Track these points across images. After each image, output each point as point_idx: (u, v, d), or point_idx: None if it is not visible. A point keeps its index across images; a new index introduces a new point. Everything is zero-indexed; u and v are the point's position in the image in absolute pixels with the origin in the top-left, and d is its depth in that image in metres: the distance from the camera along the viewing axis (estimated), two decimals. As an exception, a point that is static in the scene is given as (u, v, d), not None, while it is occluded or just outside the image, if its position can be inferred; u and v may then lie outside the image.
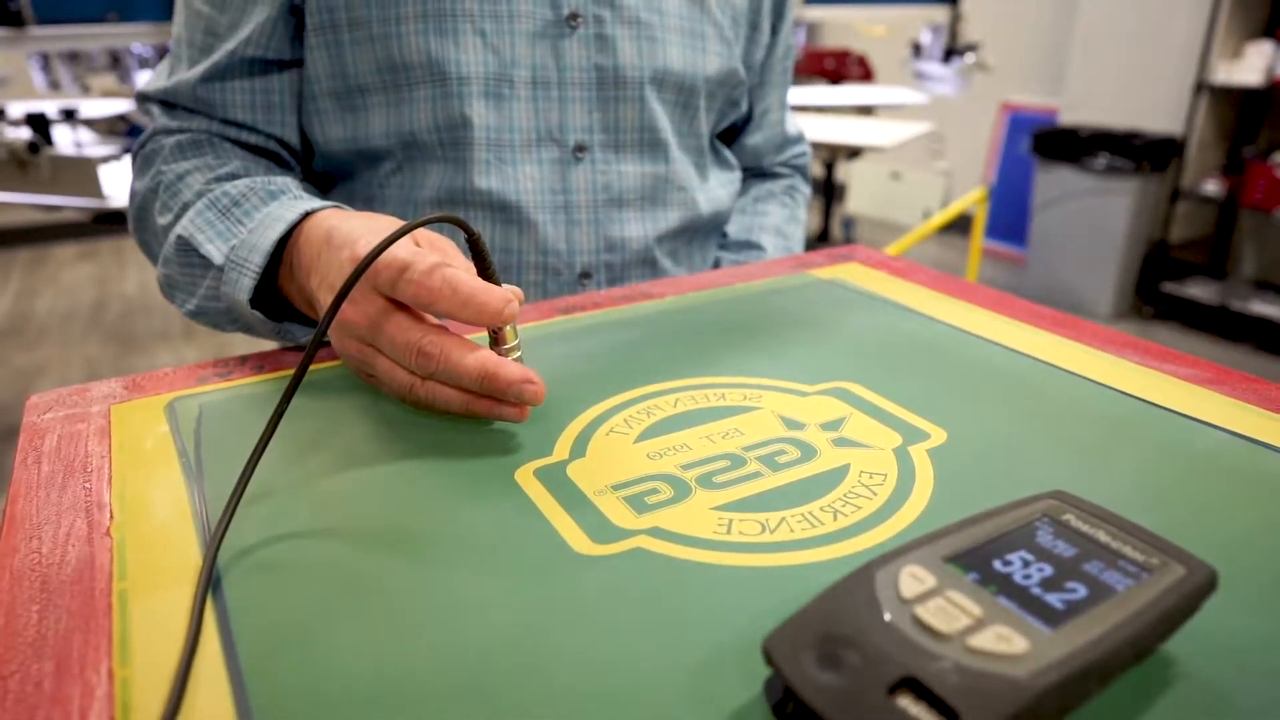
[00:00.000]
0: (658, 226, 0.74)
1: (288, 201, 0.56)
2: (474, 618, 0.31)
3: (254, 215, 0.56)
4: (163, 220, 0.62)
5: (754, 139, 0.87)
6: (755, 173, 0.91)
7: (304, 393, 0.48)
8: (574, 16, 0.67)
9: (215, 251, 0.56)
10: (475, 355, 0.41)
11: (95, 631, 0.30)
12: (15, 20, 2.26)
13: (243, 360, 0.52)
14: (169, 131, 0.66)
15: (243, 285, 0.53)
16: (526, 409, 0.43)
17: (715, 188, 0.79)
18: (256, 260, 0.52)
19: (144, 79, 0.70)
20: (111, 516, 0.37)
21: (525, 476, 0.40)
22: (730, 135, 0.87)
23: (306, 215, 0.52)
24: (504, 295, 0.41)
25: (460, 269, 0.42)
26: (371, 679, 0.28)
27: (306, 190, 0.64)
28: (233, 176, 0.62)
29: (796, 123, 0.94)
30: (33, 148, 1.97)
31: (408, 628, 0.30)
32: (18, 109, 2.46)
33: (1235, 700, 0.27)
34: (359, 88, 0.66)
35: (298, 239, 0.51)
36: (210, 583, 0.32)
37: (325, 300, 0.46)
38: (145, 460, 0.41)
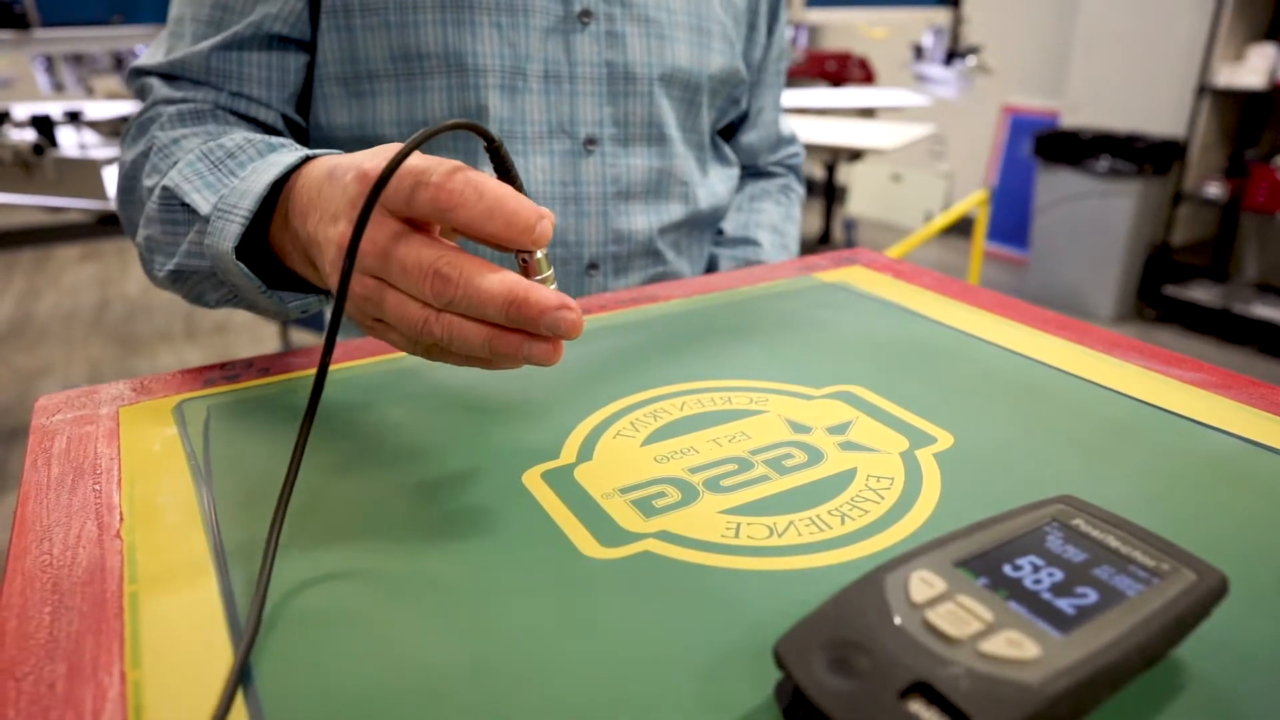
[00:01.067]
0: (660, 218, 0.75)
1: (287, 152, 0.50)
2: (481, 621, 0.31)
3: (248, 166, 0.50)
4: (149, 182, 0.57)
5: (749, 137, 0.89)
6: (751, 171, 0.93)
7: (299, 396, 0.48)
8: (586, 13, 0.67)
9: (202, 201, 0.50)
10: (500, 277, 0.35)
11: (107, 634, 0.30)
12: (20, 22, 2.26)
13: (249, 363, 0.52)
14: (170, 101, 0.63)
15: (229, 233, 0.46)
16: (560, 345, 0.36)
17: (715, 182, 0.80)
18: (247, 205, 0.46)
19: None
20: (121, 519, 0.37)
21: (533, 479, 0.40)
22: (728, 133, 0.89)
23: (307, 159, 0.46)
24: (537, 209, 0.35)
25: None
26: (378, 682, 0.28)
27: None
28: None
29: (789, 123, 0.95)
30: (37, 149, 1.97)
31: (413, 631, 0.30)
32: (22, 111, 2.46)
33: (1242, 704, 0.27)
34: (369, 74, 0.65)
35: (295, 183, 0.45)
36: (255, 639, 0.32)
37: (328, 232, 0.39)
38: (154, 462, 0.41)
